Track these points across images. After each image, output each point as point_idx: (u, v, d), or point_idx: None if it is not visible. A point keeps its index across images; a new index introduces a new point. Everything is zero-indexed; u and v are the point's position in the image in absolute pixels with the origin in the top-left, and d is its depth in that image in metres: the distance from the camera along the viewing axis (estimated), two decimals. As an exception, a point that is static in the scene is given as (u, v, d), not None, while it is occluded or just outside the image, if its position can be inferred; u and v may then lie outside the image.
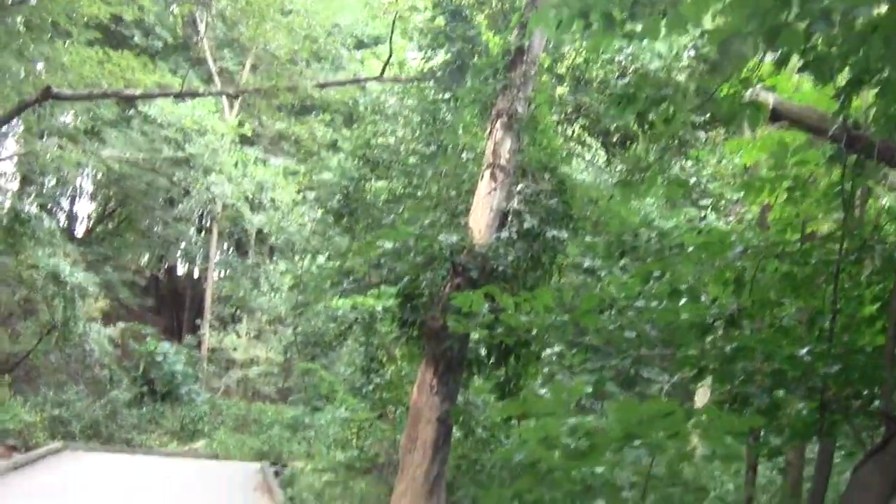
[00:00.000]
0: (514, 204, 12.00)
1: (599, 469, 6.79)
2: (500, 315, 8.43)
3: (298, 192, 36.48)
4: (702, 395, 16.59)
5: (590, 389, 8.69)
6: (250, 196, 37.39)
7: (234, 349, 38.06)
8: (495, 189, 12.00)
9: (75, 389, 28.86)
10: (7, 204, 29.47)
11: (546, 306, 8.12)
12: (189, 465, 23.48)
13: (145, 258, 48.42)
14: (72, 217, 49.75)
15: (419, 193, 14.92)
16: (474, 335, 11.22)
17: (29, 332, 30.01)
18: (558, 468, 6.87)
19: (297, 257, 27.73)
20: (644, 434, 6.49)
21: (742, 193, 11.94)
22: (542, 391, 12.28)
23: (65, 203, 48.20)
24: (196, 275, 51.62)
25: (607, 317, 8.83)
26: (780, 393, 7.73)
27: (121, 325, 33.43)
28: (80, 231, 48.10)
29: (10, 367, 29.39)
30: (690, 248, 9.06)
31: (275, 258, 41.24)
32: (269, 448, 29.41)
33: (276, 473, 21.17)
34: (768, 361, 7.74)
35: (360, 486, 13.31)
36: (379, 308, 15.58)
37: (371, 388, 15.58)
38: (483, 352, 11.71)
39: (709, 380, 15.02)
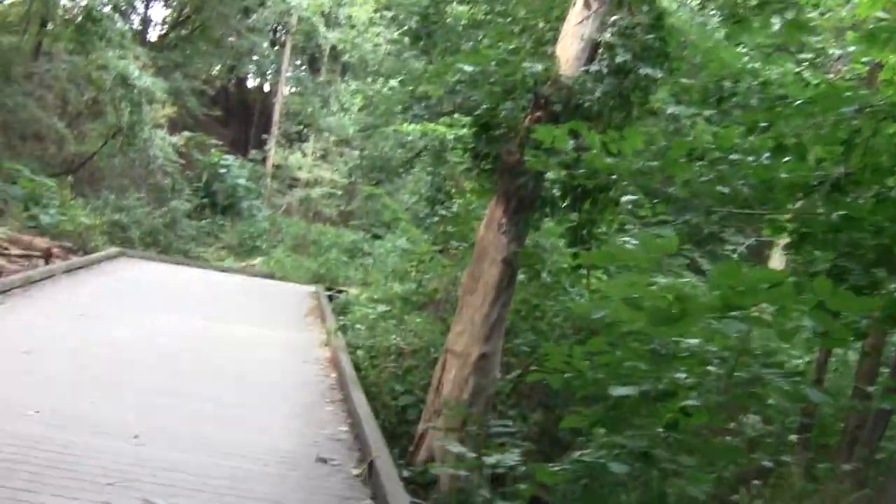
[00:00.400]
0: (607, 36, 10.83)
1: (689, 340, 6.03)
2: (582, 154, 7.56)
3: (375, 10, 35.06)
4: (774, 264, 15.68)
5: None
6: (326, 11, 36.18)
7: (299, 168, 37.59)
8: (588, 18, 10.82)
9: (136, 196, 28.59)
10: (83, 2, 28.52)
11: (634, 149, 7.22)
12: (243, 281, 23.18)
13: (216, 68, 47.61)
14: (146, 21, 48.86)
15: (501, 21, 13.86)
16: (550, 174, 10.35)
17: (95, 135, 29.67)
18: (641, 332, 6.13)
19: (369, 78, 26.62)
20: (745, 304, 5.69)
21: (855, 47, 10.76)
22: (627, 241, 11.48)
23: (139, 5, 47.27)
24: (266, 89, 50.94)
25: (697, 168, 7.91)
26: (882, 272, 6.88)
27: (186, 134, 32.86)
28: (153, 36, 47.38)
29: (75, 168, 29.17)
30: (797, 102, 7.96)
31: (347, 77, 40.16)
32: (326, 271, 29.11)
33: (330, 298, 20.79)
34: (875, 236, 6.84)
35: (414, 322, 12.69)
36: (451, 137, 14.68)
37: (435, 220, 14.86)
38: (558, 193, 10.81)
39: (777, 250, 13.95)
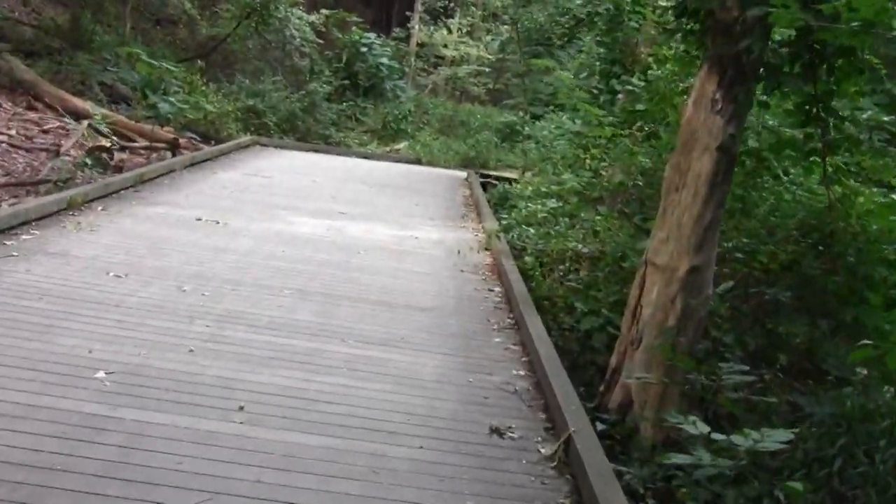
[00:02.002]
0: None
1: None
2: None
3: None
4: None
5: None
6: None
7: (444, 45, 35.11)
8: None
9: (272, 79, 26.63)
10: None
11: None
12: (387, 168, 21.03)
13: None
14: None
15: None
16: (776, 34, 7.77)
17: (228, 16, 27.75)
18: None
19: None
20: None
21: None
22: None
23: None
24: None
25: None
26: None
27: (325, 11, 30.65)
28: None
29: (207, 51, 27.37)
30: None
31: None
32: (476, 154, 26.81)
33: (485, 187, 18.49)
34: None
35: (595, 220, 10.20)
36: (628, -4, 12.06)
37: (611, 97, 12.28)
38: (785, 59, 8.10)
39: None
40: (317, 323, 7.67)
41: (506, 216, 12.10)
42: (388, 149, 26.24)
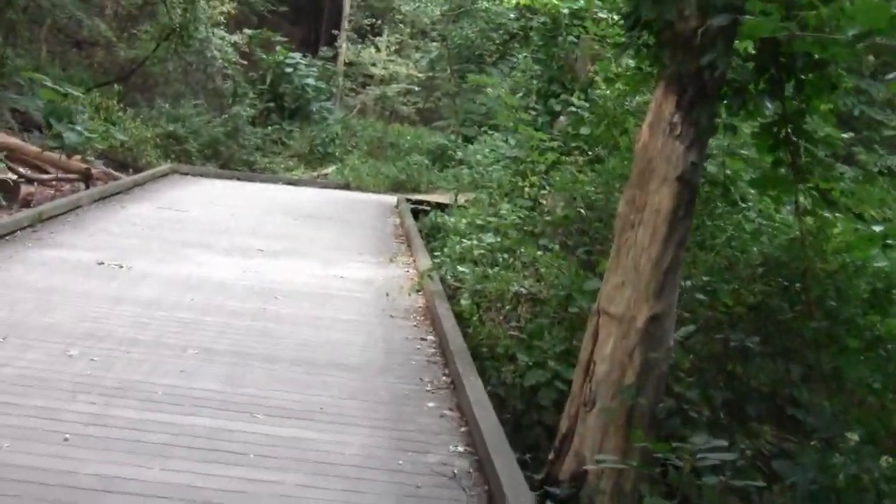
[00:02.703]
0: None
1: None
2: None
3: None
4: None
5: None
6: None
7: (373, 64, 34.13)
8: None
9: (193, 103, 25.44)
10: None
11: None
12: (313, 196, 19.93)
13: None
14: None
15: None
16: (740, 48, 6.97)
17: (147, 38, 26.49)
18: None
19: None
20: None
21: None
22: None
23: None
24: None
25: None
26: None
27: (248, 31, 29.51)
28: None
29: (126, 75, 26.08)
30: None
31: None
32: (406, 178, 25.85)
33: (416, 215, 17.51)
34: None
35: (536, 257, 9.24)
36: (565, 10, 11.15)
37: (548, 118, 11.39)
38: (750, 75, 7.24)
39: None
40: (222, 393, 6.59)
41: (438, 253, 11.12)
42: (315, 174, 25.20)
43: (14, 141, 17.47)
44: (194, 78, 26.74)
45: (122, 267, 10.14)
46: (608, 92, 8.63)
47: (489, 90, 18.46)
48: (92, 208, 13.85)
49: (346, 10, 34.43)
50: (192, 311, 8.76)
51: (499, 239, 9.86)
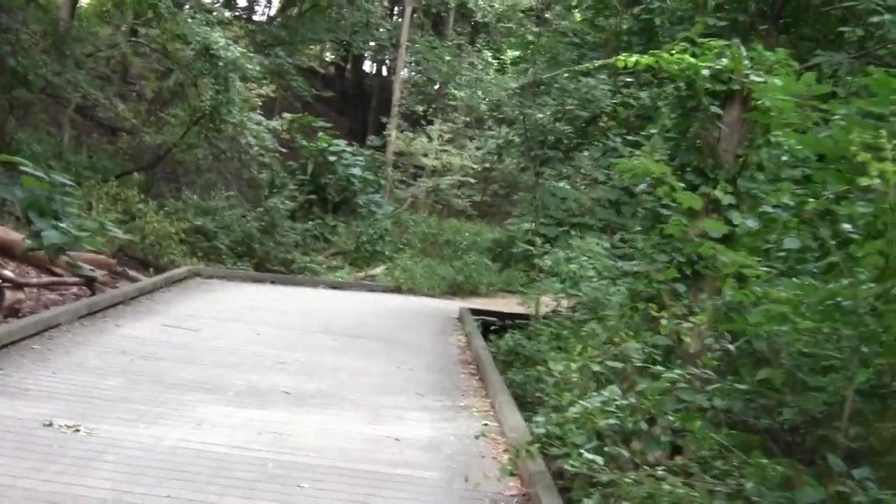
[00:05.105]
0: None
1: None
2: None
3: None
4: None
5: None
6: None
7: (424, 154, 31.41)
8: None
9: (226, 194, 22.60)
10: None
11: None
12: (357, 304, 16.77)
13: (327, 46, 41.55)
14: (251, 1, 43.22)
15: None
16: None
17: (177, 123, 23.87)
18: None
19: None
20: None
21: None
22: None
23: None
24: (384, 73, 44.93)
25: None
26: None
27: (287, 115, 26.82)
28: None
29: (151, 163, 23.39)
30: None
31: (479, 40, 33.65)
32: (464, 279, 22.82)
33: (488, 330, 14.31)
34: None
35: (700, 439, 5.88)
36: (707, 69, 8.03)
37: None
38: None
39: None
40: None
41: (540, 418, 7.81)
42: (362, 274, 22.18)
43: (5, 234, 14.60)
44: (227, 167, 23.97)
45: (78, 430, 6.91)
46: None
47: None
48: (73, 328, 10.71)
49: (397, 94, 31.87)
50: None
51: (633, 399, 6.54)
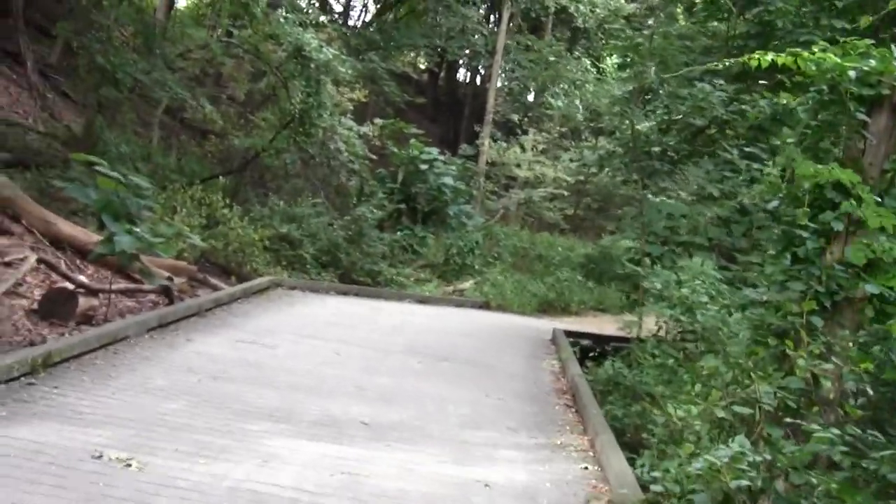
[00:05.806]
0: None
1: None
2: None
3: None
4: None
5: None
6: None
7: (517, 165, 30.48)
8: None
9: (312, 201, 21.94)
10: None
11: None
12: (444, 322, 15.90)
13: (421, 52, 40.87)
14: (347, 6, 42.84)
15: None
16: None
17: (266, 126, 23.39)
18: None
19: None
20: None
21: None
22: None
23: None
24: (478, 81, 44.10)
25: None
26: None
27: (378, 121, 26.09)
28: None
29: (239, 167, 22.89)
30: None
31: (578, 48, 32.60)
32: (556, 296, 21.84)
33: (585, 355, 13.31)
34: None
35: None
36: (853, 70, 7.00)
37: (818, 242, 7.08)
38: None
39: None
40: None
41: (643, 460, 6.77)
42: (450, 289, 21.33)
43: (84, 235, 14.07)
44: (315, 172, 23.34)
45: (129, 465, 6.14)
46: None
47: (665, 198, 14.37)
48: (141, 341, 10.02)
49: (491, 102, 30.99)
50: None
51: (767, 455, 5.53)
